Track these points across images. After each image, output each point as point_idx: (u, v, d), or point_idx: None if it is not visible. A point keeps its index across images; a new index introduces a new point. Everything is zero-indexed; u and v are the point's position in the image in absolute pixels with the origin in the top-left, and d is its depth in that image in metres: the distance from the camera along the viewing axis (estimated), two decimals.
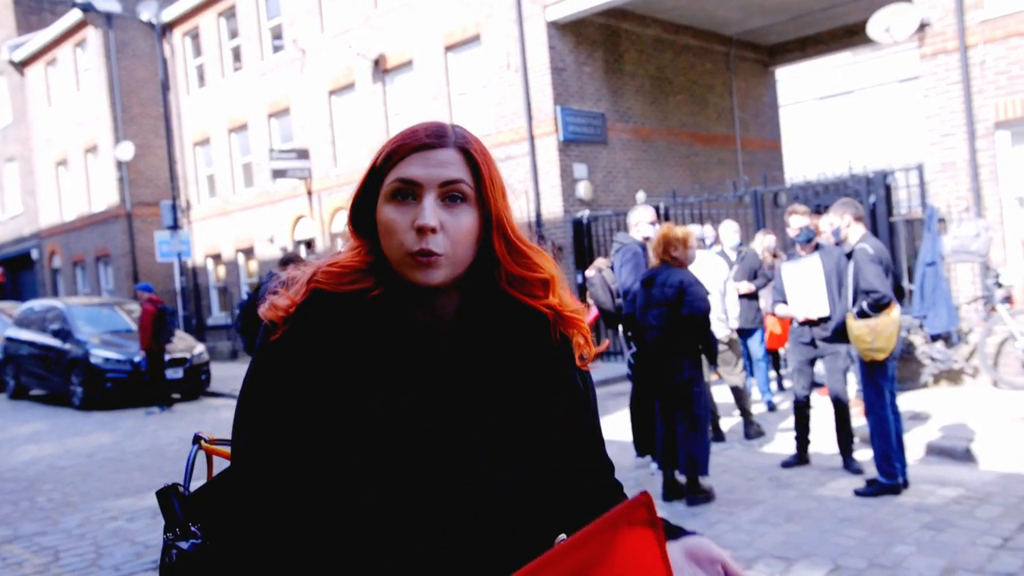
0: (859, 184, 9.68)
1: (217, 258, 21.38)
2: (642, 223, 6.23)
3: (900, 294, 5.78)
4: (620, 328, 6.38)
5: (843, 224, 5.47)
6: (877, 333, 5.15)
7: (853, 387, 7.66)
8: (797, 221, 5.97)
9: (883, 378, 5.29)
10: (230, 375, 15.00)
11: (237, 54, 19.94)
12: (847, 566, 4.14)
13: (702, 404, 5.41)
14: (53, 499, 6.86)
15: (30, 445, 9.75)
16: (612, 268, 6.28)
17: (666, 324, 5.32)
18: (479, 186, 1.16)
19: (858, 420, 6.58)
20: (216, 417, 11.09)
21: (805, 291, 5.89)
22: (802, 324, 5.96)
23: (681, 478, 5.45)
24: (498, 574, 1.11)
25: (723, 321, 7.18)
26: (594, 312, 6.38)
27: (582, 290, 7.84)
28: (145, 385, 12.28)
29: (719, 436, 7.12)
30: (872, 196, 9.51)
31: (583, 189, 13.35)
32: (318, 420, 1.13)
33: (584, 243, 13.15)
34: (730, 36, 16.44)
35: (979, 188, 8.81)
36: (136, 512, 6.16)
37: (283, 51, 18.36)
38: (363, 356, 1.14)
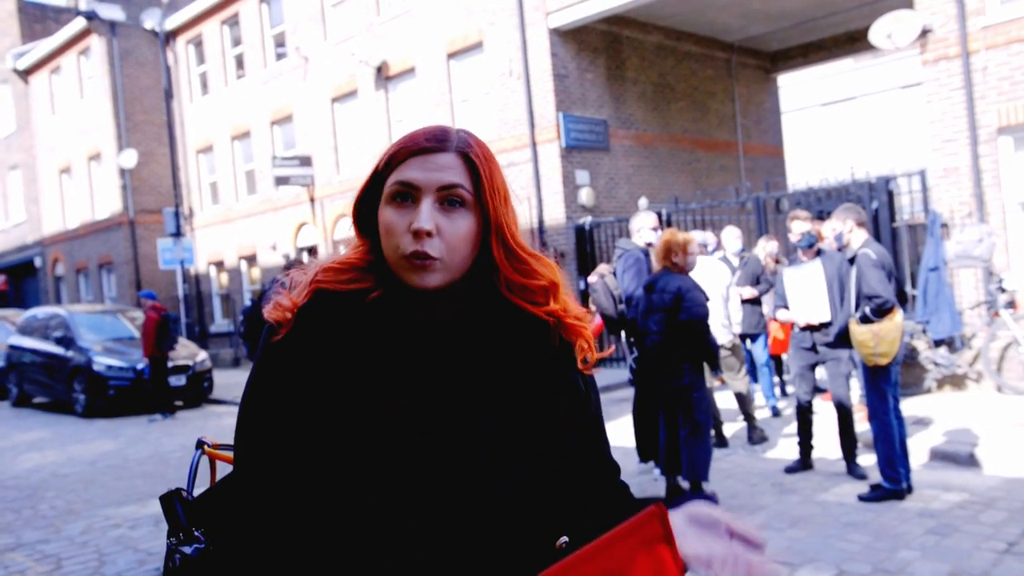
0: (861, 190, 9.68)
1: (220, 265, 21.41)
2: (644, 229, 6.23)
3: (903, 299, 5.78)
4: (623, 334, 6.38)
5: (846, 229, 5.47)
6: (880, 338, 5.15)
7: (856, 392, 7.65)
8: (799, 226, 5.98)
9: (886, 383, 5.28)
10: (233, 382, 15.00)
11: (240, 62, 20.01)
12: (851, 571, 4.12)
13: (703, 409, 5.40)
14: (56, 507, 6.86)
15: (33, 452, 9.76)
16: (614, 274, 6.27)
17: (665, 330, 5.32)
18: (478, 191, 1.16)
19: (861, 425, 6.57)
20: (219, 424, 11.08)
21: (806, 296, 5.89)
22: (803, 329, 5.96)
23: (684, 484, 5.44)
24: (501, 575, 1.11)
25: (726, 327, 7.18)
26: (598, 320, 6.38)
27: (584, 296, 7.84)
28: (148, 392, 12.29)
29: (722, 442, 7.11)
30: (875, 202, 9.51)
31: (585, 195, 13.36)
32: (320, 421, 1.13)
33: (586, 249, 13.15)
34: (732, 43, 16.47)
35: (982, 193, 8.80)
36: (139, 519, 6.16)
37: (286, 59, 18.41)
38: (364, 357, 1.14)
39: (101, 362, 12.68)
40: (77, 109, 23.81)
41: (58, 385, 13.60)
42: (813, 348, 5.92)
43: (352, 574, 1.12)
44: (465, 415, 1.13)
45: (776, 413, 8.23)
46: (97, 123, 22.86)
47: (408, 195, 1.14)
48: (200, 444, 1.43)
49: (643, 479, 6.15)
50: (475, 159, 1.17)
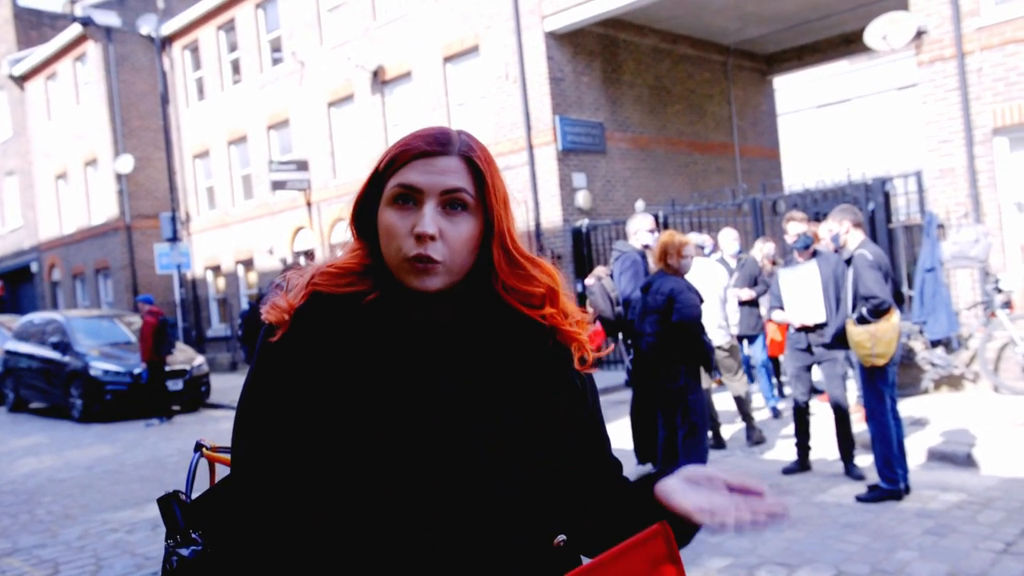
0: (858, 191, 9.70)
1: (216, 270, 21.39)
2: (641, 231, 6.24)
3: (900, 300, 5.78)
4: (620, 336, 6.39)
5: (842, 230, 5.48)
6: (877, 339, 5.15)
7: (854, 393, 7.66)
8: (795, 228, 5.99)
9: (884, 384, 5.28)
10: (230, 386, 14.98)
11: (236, 67, 20.01)
12: (849, 572, 4.12)
13: (698, 411, 5.40)
14: (52, 511, 6.84)
15: (29, 458, 9.73)
16: (612, 276, 6.28)
17: (660, 331, 5.33)
18: (481, 195, 1.17)
19: (859, 426, 6.57)
20: (216, 428, 11.06)
21: (802, 297, 5.90)
22: (798, 330, 5.97)
23: None
24: (501, 574, 1.11)
25: (723, 328, 7.18)
26: (597, 327, 6.38)
27: (582, 298, 7.84)
28: (145, 397, 12.27)
29: (720, 443, 7.11)
30: (871, 203, 9.53)
31: (582, 198, 13.37)
32: (318, 422, 1.13)
33: (583, 252, 13.16)
34: (728, 45, 16.50)
35: (978, 194, 8.83)
36: (136, 524, 6.14)
37: (282, 64, 18.42)
38: (362, 358, 1.14)
39: (98, 367, 12.66)
40: (73, 115, 23.80)
41: (55, 390, 13.58)
42: (808, 349, 5.93)
43: (351, 575, 1.12)
44: (464, 416, 1.13)
45: (776, 414, 8.24)
46: (93, 128, 22.85)
47: (410, 198, 1.14)
48: (199, 447, 1.43)
49: None
50: (478, 163, 1.17)
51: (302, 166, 17.59)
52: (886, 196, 9.64)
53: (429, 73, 14.96)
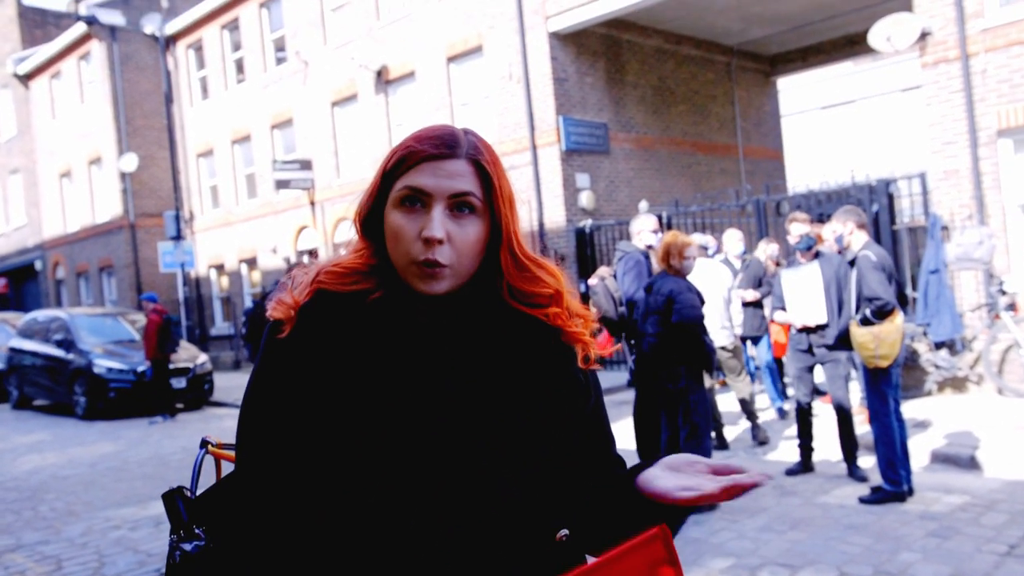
0: (862, 193, 9.68)
1: (220, 268, 21.42)
2: (644, 231, 6.24)
3: (904, 301, 5.78)
4: (623, 336, 6.38)
5: (846, 231, 5.47)
6: (880, 340, 5.14)
7: (857, 395, 7.65)
8: (797, 228, 5.98)
9: (887, 385, 5.28)
10: (233, 385, 15.00)
11: (240, 66, 20.04)
12: (852, 573, 4.12)
13: (700, 411, 5.39)
14: (56, 508, 6.85)
15: (33, 455, 9.75)
16: (615, 276, 6.28)
17: (660, 331, 5.33)
18: (488, 198, 1.17)
19: (862, 427, 6.57)
20: (219, 426, 11.07)
21: (803, 298, 5.90)
22: (800, 331, 5.97)
23: None
24: (504, 569, 1.11)
25: (727, 329, 7.18)
26: (604, 336, 6.39)
27: (585, 299, 7.84)
28: (149, 394, 12.30)
29: (723, 444, 7.11)
30: (875, 204, 9.51)
31: (585, 199, 13.37)
32: (323, 419, 1.13)
33: (587, 252, 13.15)
34: (731, 46, 16.49)
35: (982, 196, 8.81)
36: (139, 521, 6.15)
37: (286, 63, 18.44)
38: (367, 357, 1.14)
39: (101, 364, 12.69)
40: (77, 113, 23.85)
41: (59, 387, 13.61)
42: (810, 350, 5.93)
43: (354, 572, 1.12)
44: (468, 416, 1.13)
45: (782, 415, 8.22)
46: (97, 127, 22.89)
47: (418, 200, 1.14)
48: (204, 443, 1.43)
49: None
50: (486, 166, 1.17)
51: (306, 165, 17.61)
52: (890, 198, 9.63)
53: (433, 73, 14.97)
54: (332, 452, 1.13)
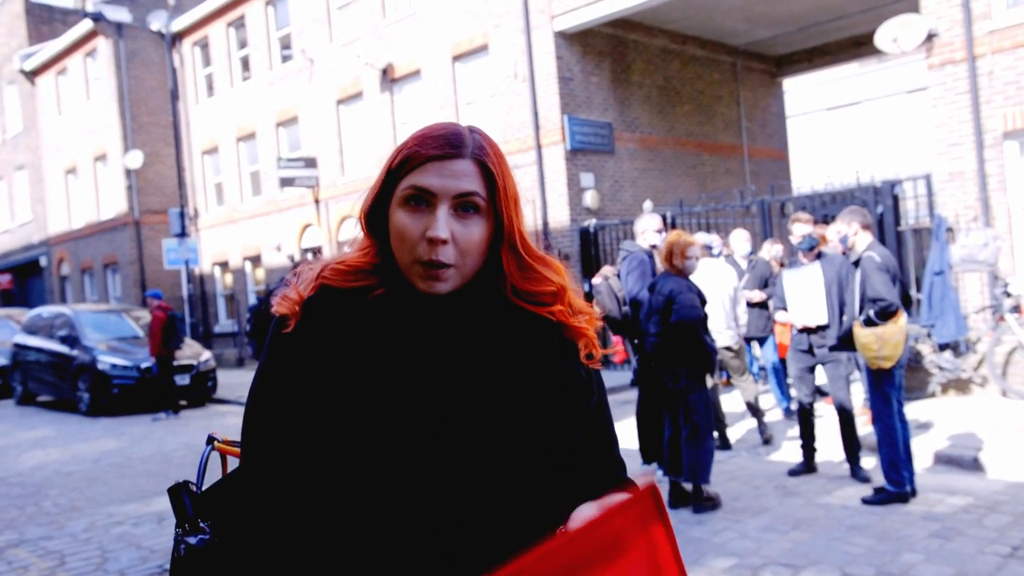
0: (866, 194, 9.67)
1: (224, 266, 21.45)
2: (648, 231, 6.23)
3: (907, 303, 5.77)
4: (627, 336, 6.38)
5: (850, 232, 5.46)
6: (884, 341, 5.14)
7: (860, 395, 7.64)
8: (800, 229, 5.98)
9: (890, 386, 5.27)
10: (237, 382, 15.03)
11: (246, 63, 20.06)
12: (854, 574, 4.12)
13: (700, 411, 5.39)
14: (59, 504, 6.87)
15: (37, 450, 9.78)
16: (619, 276, 6.28)
17: (661, 331, 5.34)
18: (493, 198, 1.17)
19: (865, 428, 6.56)
20: (222, 423, 11.10)
21: (804, 299, 5.90)
22: (800, 331, 5.96)
23: (687, 485, 5.43)
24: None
25: (732, 329, 7.17)
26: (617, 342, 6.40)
27: (588, 298, 7.84)
28: (152, 391, 12.33)
29: (725, 444, 7.10)
30: (880, 206, 9.50)
31: (590, 198, 13.36)
32: (327, 415, 1.14)
33: (591, 252, 13.15)
34: (737, 47, 16.47)
35: (987, 198, 8.79)
36: (142, 517, 6.17)
37: (292, 61, 18.46)
38: (371, 354, 1.15)
39: (105, 361, 12.72)
40: (83, 110, 23.89)
41: (62, 383, 13.64)
42: (810, 350, 5.93)
43: (356, 568, 1.12)
44: (470, 414, 1.14)
45: (789, 415, 8.20)
46: (103, 124, 22.93)
47: (422, 199, 1.15)
48: (211, 440, 1.44)
49: None
50: (491, 166, 1.17)
51: (310, 163, 17.62)
52: (895, 199, 9.61)
53: (438, 71, 14.97)
54: (335, 448, 1.13)
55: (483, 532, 1.12)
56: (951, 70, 9.02)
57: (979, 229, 8.58)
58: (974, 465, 5.97)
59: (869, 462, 6.07)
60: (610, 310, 6.21)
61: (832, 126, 24.21)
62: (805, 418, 6.09)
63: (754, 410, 7.23)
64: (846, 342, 5.53)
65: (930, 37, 9.08)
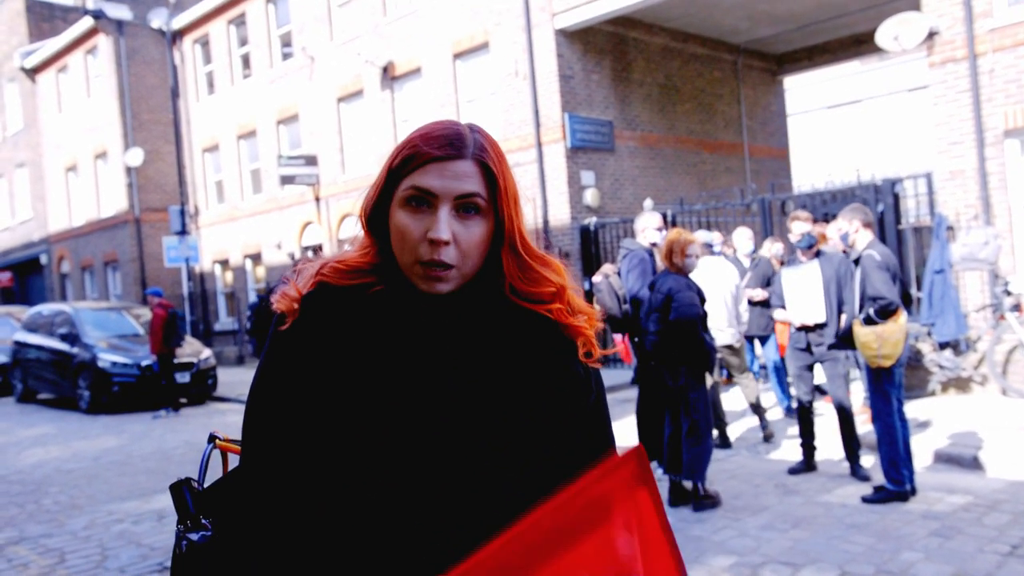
0: (867, 192, 9.66)
1: (225, 264, 21.45)
2: (649, 229, 6.23)
3: (908, 301, 5.77)
4: (627, 334, 6.38)
5: (852, 229, 5.46)
6: (884, 340, 5.13)
7: (860, 394, 7.64)
8: (799, 227, 5.98)
9: (890, 385, 5.27)
10: (237, 380, 15.04)
11: (246, 61, 20.05)
12: (854, 572, 4.12)
13: (700, 409, 5.39)
14: (59, 501, 6.88)
15: (37, 448, 9.79)
16: (619, 274, 6.28)
17: (660, 329, 5.34)
18: (494, 198, 1.17)
19: (865, 427, 6.56)
20: (223, 421, 11.10)
21: (802, 297, 5.90)
22: (798, 330, 5.97)
23: (687, 484, 5.44)
24: None
25: (734, 327, 7.17)
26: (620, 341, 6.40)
27: (589, 296, 7.84)
28: (152, 388, 12.35)
29: (725, 442, 7.10)
30: (880, 204, 9.49)
31: (590, 196, 13.36)
32: (326, 413, 1.14)
33: (591, 250, 13.15)
34: (738, 45, 16.46)
35: (988, 196, 8.79)
36: (142, 515, 6.18)
37: (292, 58, 18.45)
38: (371, 353, 1.15)
39: (106, 358, 12.72)
40: (84, 107, 23.89)
41: (63, 381, 13.65)
42: (808, 348, 5.93)
43: (356, 567, 1.12)
44: (470, 414, 1.14)
45: (790, 413, 8.20)
46: (104, 122, 22.93)
47: (424, 200, 1.15)
48: (212, 438, 1.44)
49: None
50: (492, 166, 1.17)
51: (311, 161, 17.62)
52: (896, 197, 9.61)
53: (439, 69, 14.97)
54: (335, 446, 1.13)
55: (483, 531, 1.12)
56: (952, 68, 9.01)
57: (980, 227, 8.58)
58: (974, 464, 5.97)
59: (869, 460, 6.07)
60: (610, 308, 6.21)
61: (833, 124, 24.19)
62: (804, 417, 6.09)
63: (757, 409, 7.23)
64: (846, 340, 5.53)
65: (931, 35, 9.07)
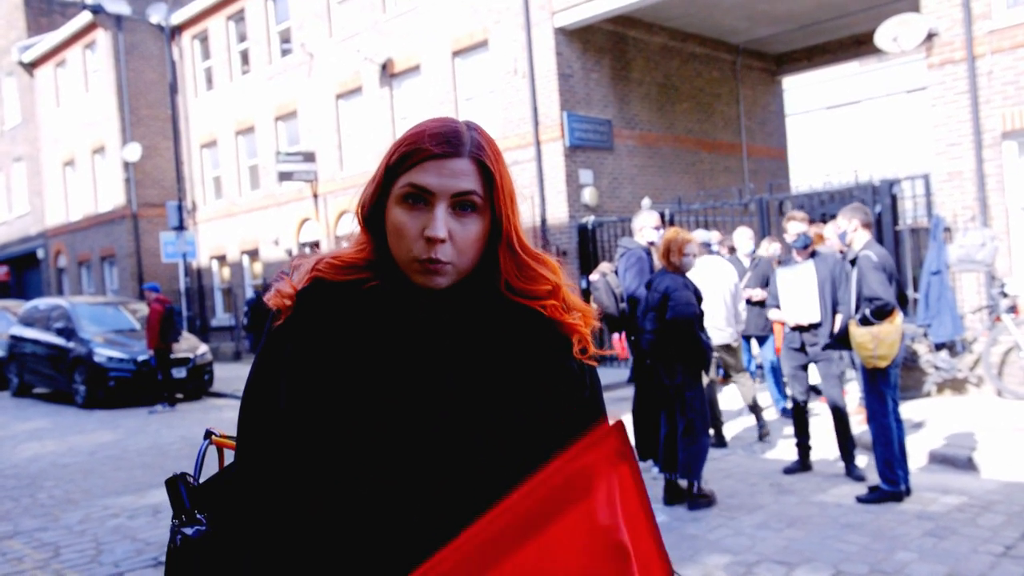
0: (865, 193, 9.67)
1: (222, 259, 21.43)
2: (646, 227, 6.23)
3: (904, 302, 5.77)
4: (623, 333, 6.39)
5: (850, 228, 5.46)
6: (879, 340, 5.15)
7: (855, 394, 7.65)
8: (795, 227, 5.99)
9: (885, 385, 5.28)
10: (233, 376, 15.02)
11: (245, 57, 20.03)
12: (848, 572, 4.13)
13: (696, 408, 5.40)
14: (54, 496, 6.87)
15: (32, 442, 9.78)
16: (616, 273, 6.28)
17: (657, 328, 5.35)
18: (490, 196, 1.17)
19: (860, 427, 6.57)
20: (219, 417, 11.10)
21: (797, 297, 5.91)
22: (793, 330, 5.98)
23: (682, 482, 5.44)
24: None
25: (733, 326, 7.18)
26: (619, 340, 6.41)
27: (586, 295, 7.85)
28: (148, 384, 12.34)
29: (721, 442, 7.11)
30: (878, 205, 9.50)
31: (589, 195, 13.36)
32: (320, 410, 1.14)
33: (589, 248, 13.16)
34: (737, 45, 16.46)
35: (985, 198, 8.80)
36: (137, 510, 6.17)
37: (291, 55, 18.42)
38: (366, 349, 1.15)
39: (102, 353, 12.71)
40: (82, 102, 23.84)
41: (59, 376, 13.63)
42: (802, 348, 5.94)
43: (352, 563, 1.12)
44: (467, 410, 1.14)
45: (785, 414, 8.21)
46: (102, 116, 22.89)
47: (420, 198, 1.15)
48: (208, 434, 1.45)
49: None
50: (489, 165, 1.18)
51: (309, 158, 17.60)
52: (893, 198, 9.62)
53: (438, 67, 14.96)
54: (330, 442, 1.13)
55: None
56: (950, 70, 9.02)
57: (977, 229, 8.59)
58: (968, 464, 5.99)
59: (864, 460, 6.08)
60: (608, 307, 6.21)
61: (831, 125, 24.20)
62: (799, 416, 6.10)
63: (753, 408, 7.24)
64: (842, 341, 5.54)
65: (930, 36, 9.08)
